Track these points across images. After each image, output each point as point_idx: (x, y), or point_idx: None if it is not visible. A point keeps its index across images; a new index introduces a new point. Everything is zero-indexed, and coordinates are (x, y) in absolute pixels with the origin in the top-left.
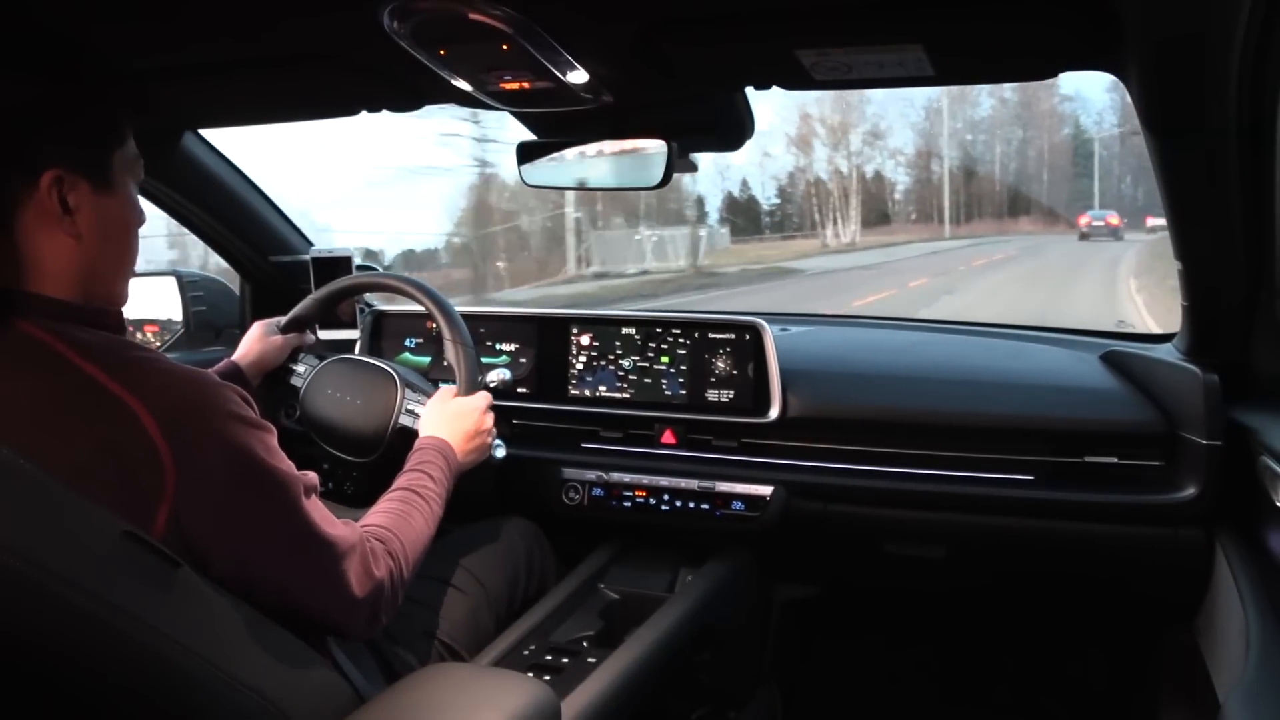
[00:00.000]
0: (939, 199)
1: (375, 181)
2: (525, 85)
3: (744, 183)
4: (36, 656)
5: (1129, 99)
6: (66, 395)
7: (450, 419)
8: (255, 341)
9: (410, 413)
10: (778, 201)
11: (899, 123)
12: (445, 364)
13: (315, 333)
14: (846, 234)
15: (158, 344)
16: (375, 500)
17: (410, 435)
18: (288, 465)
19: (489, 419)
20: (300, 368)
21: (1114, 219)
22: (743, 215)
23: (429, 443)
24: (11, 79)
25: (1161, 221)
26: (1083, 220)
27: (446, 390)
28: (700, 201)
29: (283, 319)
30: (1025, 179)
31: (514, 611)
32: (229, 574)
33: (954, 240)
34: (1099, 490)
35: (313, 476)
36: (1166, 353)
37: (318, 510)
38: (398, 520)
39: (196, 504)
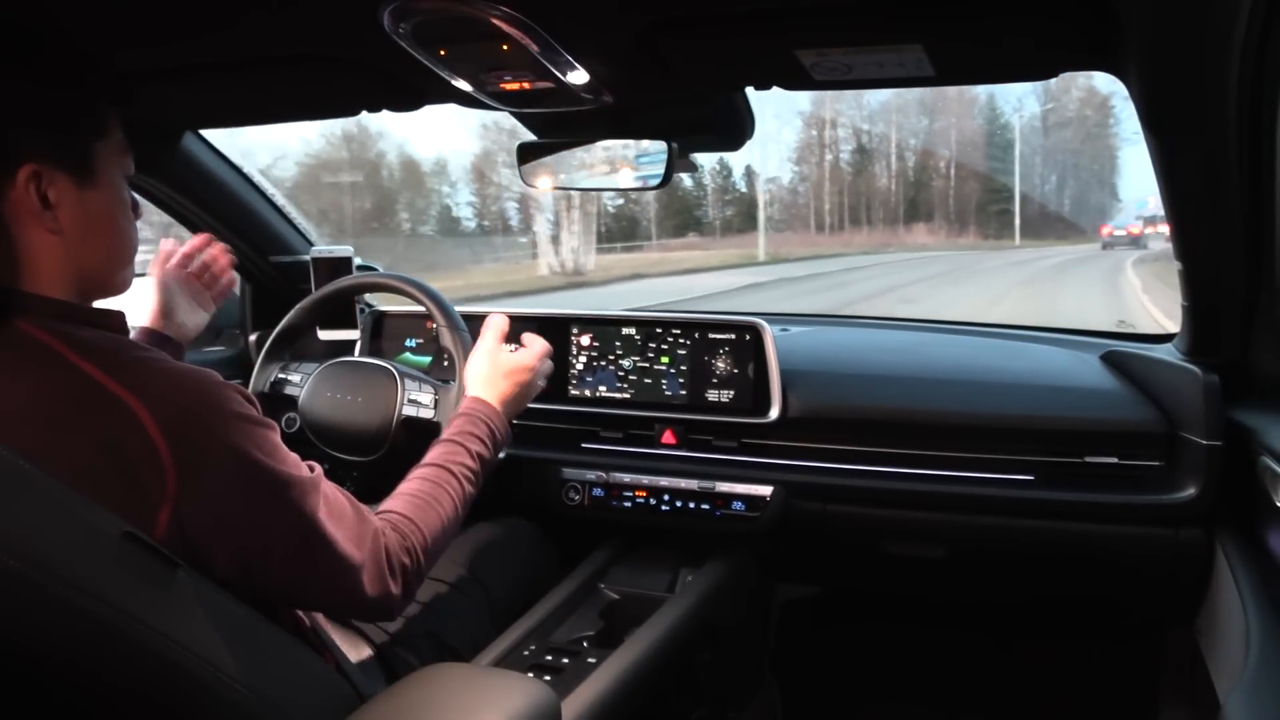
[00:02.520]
0: (819, 201)
1: None
2: (525, 85)
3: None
4: (35, 657)
5: (1054, 83)
6: (66, 396)
7: (507, 375)
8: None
9: (414, 403)
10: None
11: (785, 109)
12: (445, 362)
13: (315, 336)
14: (567, 255)
15: None
16: (376, 499)
17: (416, 427)
18: (293, 463)
19: (545, 367)
20: (295, 376)
21: (1135, 229)
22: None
23: (477, 409)
24: None
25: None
26: (1104, 230)
27: (496, 345)
28: (524, 203)
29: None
30: (927, 177)
31: (514, 611)
32: (233, 573)
33: (766, 267)
34: (1099, 490)
35: (319, 472)
36: (1166, 353)
37: (325, 505)
38: (421, 506)
39: (199, 504)
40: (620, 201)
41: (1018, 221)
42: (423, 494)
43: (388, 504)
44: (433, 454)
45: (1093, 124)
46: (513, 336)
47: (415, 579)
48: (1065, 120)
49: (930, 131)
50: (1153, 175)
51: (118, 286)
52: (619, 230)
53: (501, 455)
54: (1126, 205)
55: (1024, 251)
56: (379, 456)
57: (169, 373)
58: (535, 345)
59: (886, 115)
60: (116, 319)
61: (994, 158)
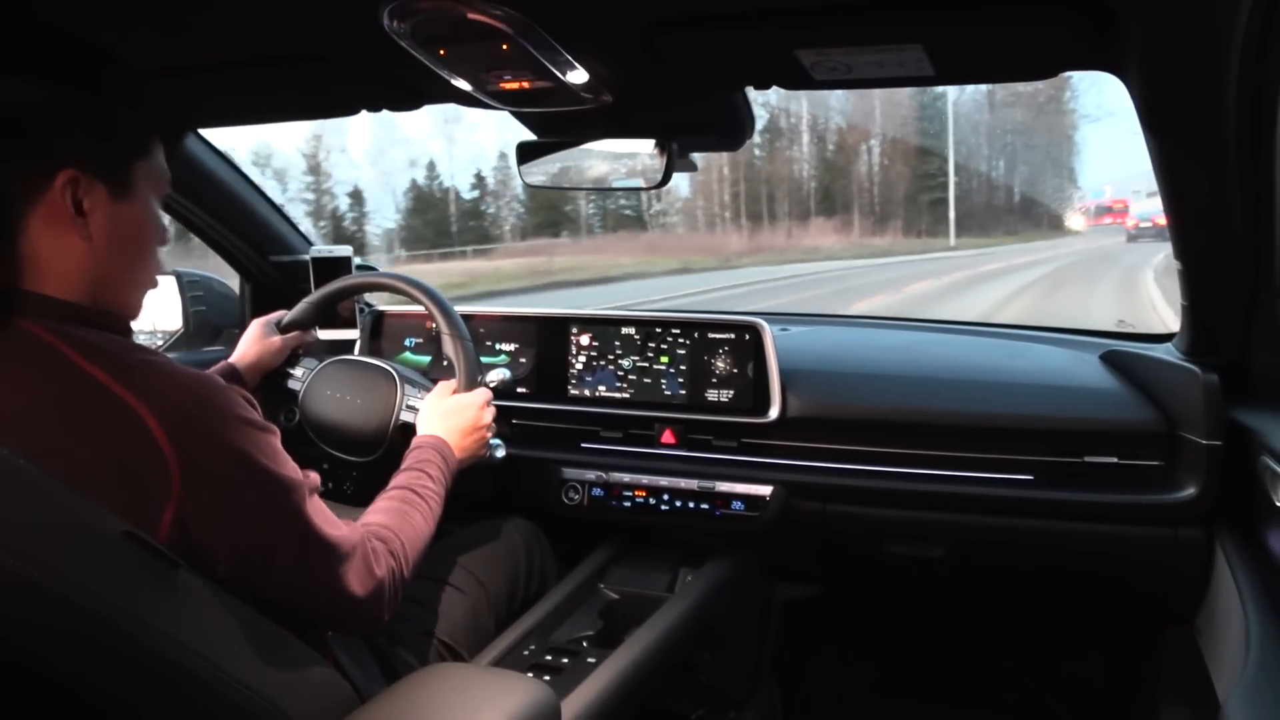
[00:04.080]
0: (710, 194)
1: None
2: (525, 85)
3: (430, 166)
4: (35, 656)
5: None
6: (70, 397)
7: (447, 415)
8: (253, 343)
9: (411, 409)
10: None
11: None
12: (445, 363)
13: (314, 334)
14: None
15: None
16: (375, 499)
17: (412, 431)
18: (292, 467)
19: (487, 414)
20: (298, 371)
21: (1163, 220)
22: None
23: (426, 441)
24: (33, 79)
25: None
26: (1129, 222)
27: (444, 386)
28: (358, 196)
29: (281, 316)
30: (845, 160)
31: (514, 611)
32: (233, 575)
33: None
34: (1099, 490)
35: (315, 477)
36: (1166, 352)
37: (320, 512)
38: (398, 519)
39: (202, 507)
40: (476, 194)
41: (952, 215)
42: (396, 510)
43: (366, 518)
44: (397, 480)
45: (1045, 99)
46: (511, 335)
47: (400, 584)
48: (1015, 95)
49: (857, 108)
50: (1114, 159)
51: (131, 307)
52: (471, 231)
53: (501, 455)
54: (1086, 193)
55: (956, 260)
56: (375, 458)
57: (173, 376)
58: (478, 392)
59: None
60: (120, 320)
61: (929, 135)
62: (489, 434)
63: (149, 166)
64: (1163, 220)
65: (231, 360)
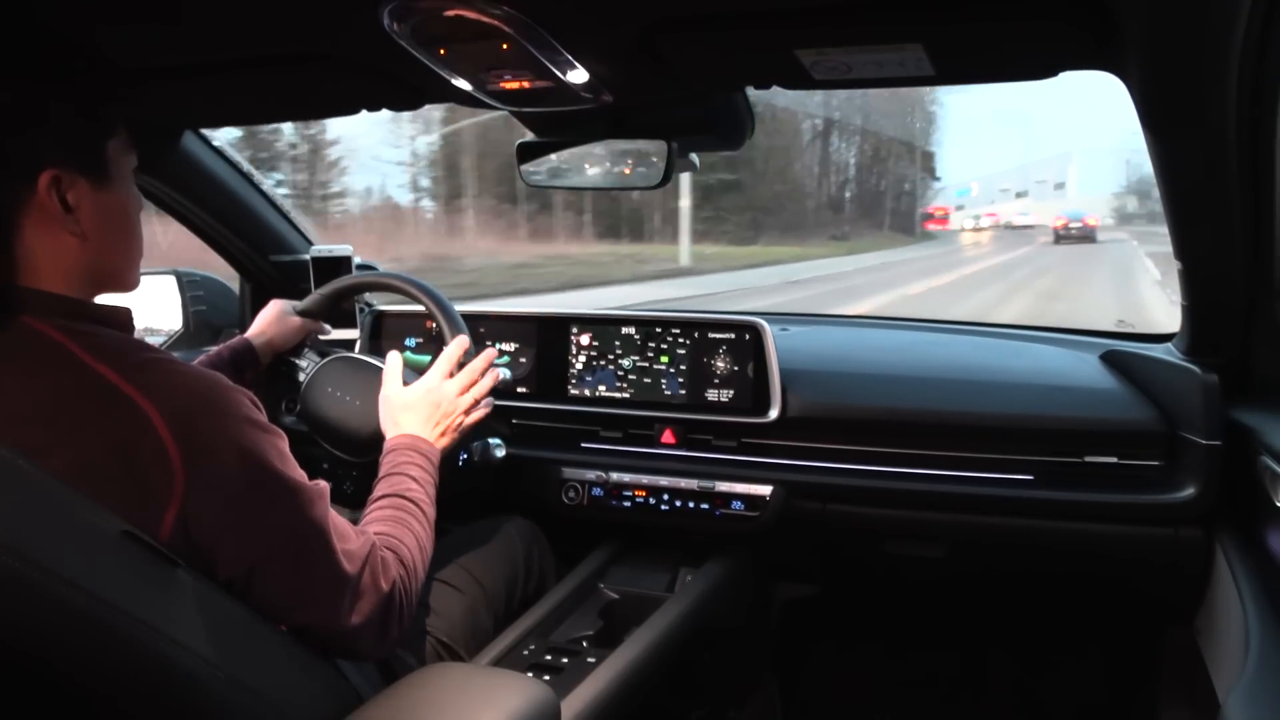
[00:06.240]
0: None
1: None
2: (525, 85)
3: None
4: (35, 656)
5: None
6: (76, 394)
7: (410, 409)
8: (272, 321)
9: None
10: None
11: None
12: None
13: (326, 327)
14: None
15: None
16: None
17: None
18: (298, 472)
19: (448, 390)
20: (304, 362)
21: (1092, 220)
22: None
23: (400, 443)
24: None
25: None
26: (1058, 223)
27: (390, 382)
28: None
29: (298, 303)
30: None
31: (512, 611)
32: (236, 581)
33: None
34: (1099, 490)
35: (324, 485)
36: (1166, 352)
37: (328, 519)
38: (401, 529)
39: (205, 507)
40: None
41: (686, 204)
42: (396, 519)
43: (367, 529)
44: (380, 488)
45: None
46: (511, 335)
47: (410, 594)
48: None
49: None
50: (984, 148)
51: (129, 285)
52: None
53: (501, 454)
54: (947, 189)
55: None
56: (369, 460)
57: (180, 375)
58: (436, 366)
59: None
60: (124, 316)
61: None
62: (483, 412)
63: (118, 142)
64: (1093, 221)
65: (248, 335)
